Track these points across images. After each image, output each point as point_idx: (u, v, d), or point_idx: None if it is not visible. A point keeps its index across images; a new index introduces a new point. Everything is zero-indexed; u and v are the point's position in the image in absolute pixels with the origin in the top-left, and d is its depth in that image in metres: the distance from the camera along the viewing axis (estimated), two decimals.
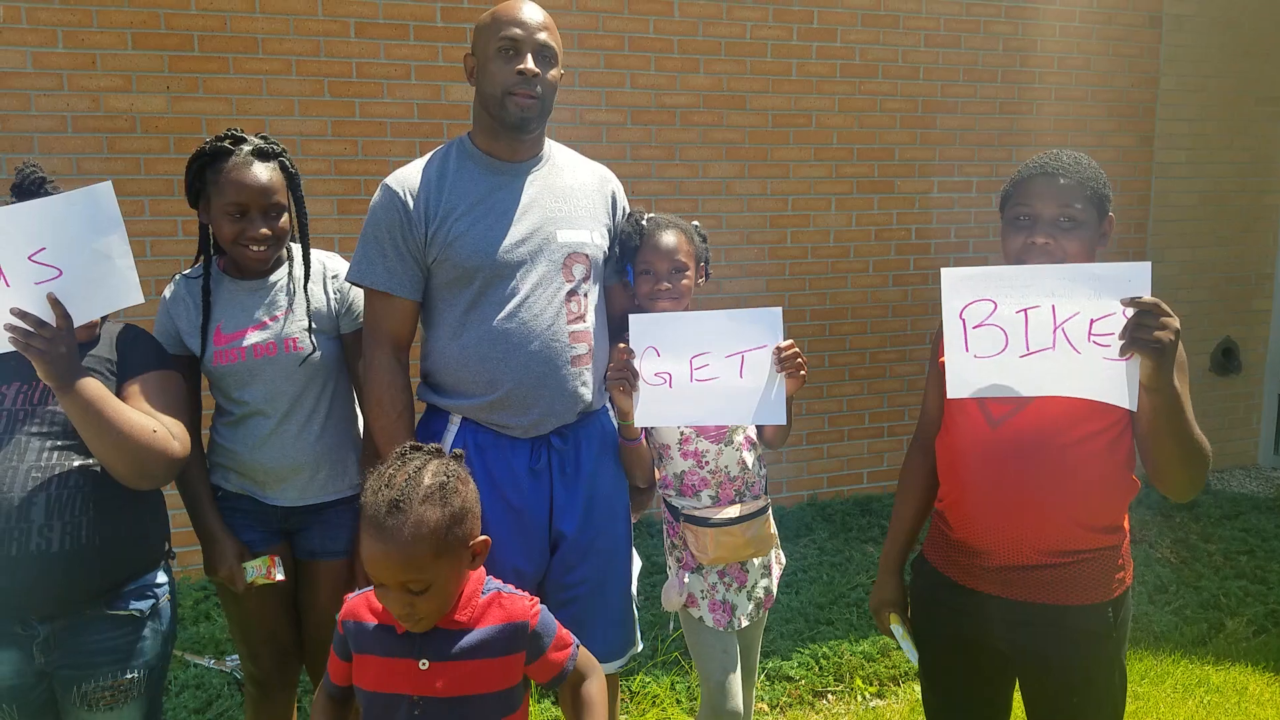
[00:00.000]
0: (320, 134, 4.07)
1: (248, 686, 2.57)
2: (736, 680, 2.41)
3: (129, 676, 2.03)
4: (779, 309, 2.16)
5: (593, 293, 2.31)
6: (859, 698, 3.49)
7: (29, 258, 1.77)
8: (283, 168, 2.30)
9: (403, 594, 1.60)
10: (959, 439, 1.97)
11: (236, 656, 3.41)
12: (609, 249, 2.36)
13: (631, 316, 2.21)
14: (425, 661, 1.67)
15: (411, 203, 2.18)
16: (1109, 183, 1.91)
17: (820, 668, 3.60)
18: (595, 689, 1.82)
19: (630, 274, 2.35)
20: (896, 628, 2.11)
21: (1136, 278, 1.67)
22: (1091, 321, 1.71)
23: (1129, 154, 5.42)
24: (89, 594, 1.97)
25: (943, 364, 1.95)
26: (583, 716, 1.77)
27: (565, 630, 1.82)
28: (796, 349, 2.18)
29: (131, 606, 2.04)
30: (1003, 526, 1.90)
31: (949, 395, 1.83)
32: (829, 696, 3.50)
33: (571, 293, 2.24)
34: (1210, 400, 5.78)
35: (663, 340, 2.16)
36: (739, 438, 2.39)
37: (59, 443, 1.93)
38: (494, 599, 1.75)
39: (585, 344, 2.27)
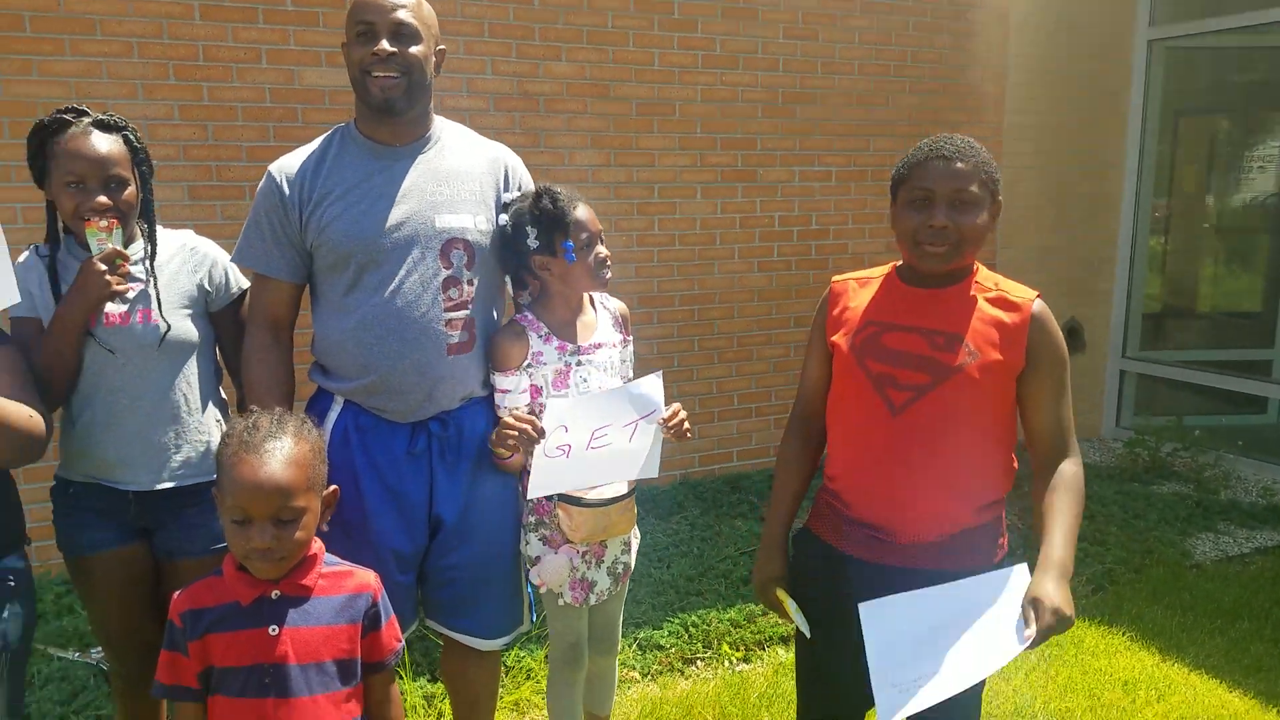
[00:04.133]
0: (167, 118, 3.96)
1: (114, 680, 2.52)
2: (583, 644, 2.54)
3: None
4: (659, 375, 2.28)
5: (477, 279, 2.31)
6: (726, 663, 3.62)
7: None
8: (126, 141, 2.25)
9: (269, 526, 1.68)
10: (858, 422, 2.02)
11: (100, 649, 3.34)
12: (514, 229, 2.31)
13: (550, 402, 2.23)
14: (275, 628, 1.73)
15: (287, 188, 2.21)
16: (997, 168, 1.97)
17: (690, 635, 3.73)
18: (396, 696, 1.92)
19: (569, 251, 2.28)
20: (790, 602, 2.16)
21: (1018, 579, 1.84)
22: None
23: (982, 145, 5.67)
24: None
25: (833, 344, 2.05)
26: (388, 710, 1.88)
27: (398, 627, 1.90)
28: (681, 415, 2.30)
29: None
30: (904, 509, 1.96)
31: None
32: (698, 663, 3.63)
33: (450, 279, 2.25)
34: None
35: (574, 420, 2.21)
36: None
37: None
38: (339, 570, 1.83)
39: (466, 331, 2.29)
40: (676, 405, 2.33)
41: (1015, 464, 2.05)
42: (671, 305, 5.15)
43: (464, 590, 2.40)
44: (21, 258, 2.28)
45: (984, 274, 2.01)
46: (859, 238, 5.53)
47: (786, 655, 3.63)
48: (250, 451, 1.69)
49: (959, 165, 1.90)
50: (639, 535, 2.67)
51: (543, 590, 2.48)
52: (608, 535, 2.43)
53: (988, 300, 1.95)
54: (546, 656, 3.43)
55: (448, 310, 2.26)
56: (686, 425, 2.33)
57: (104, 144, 2.20)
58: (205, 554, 2.35)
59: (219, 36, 4.02)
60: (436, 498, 2.33)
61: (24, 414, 1.97)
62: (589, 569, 2.47)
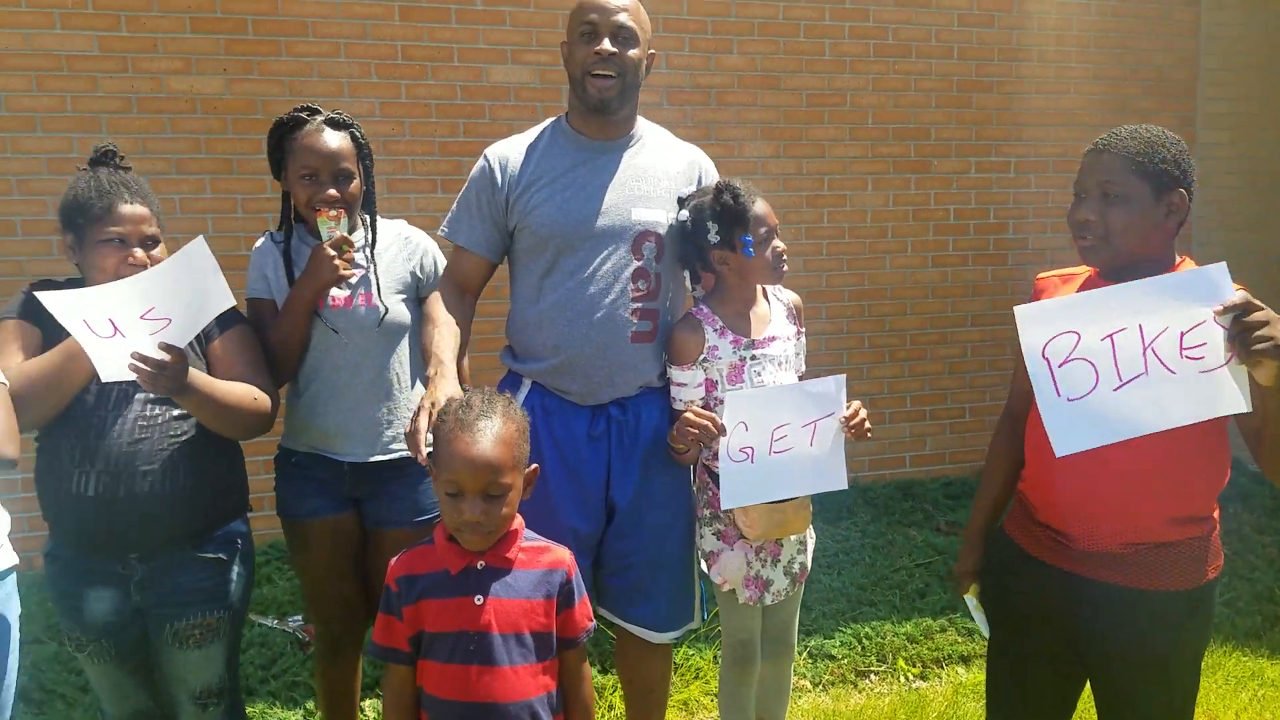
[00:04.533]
0: (369, 114, 4.24)
1: (318, 644, 2.69)
2: (756, 642, 2.52)
3: (216, 616, 2.21)
4: (843, 377, 2.28)
5: (665, 272, 2.39)
6: (902, 679, 3.50)
7: (140, 316, 1.95)
8: (353, 138, 2.46)
9: (480, 500, 1.78)
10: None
11: (299, 617, 3.55)
12: (694, 224, 2.37)
13: (729, 396, 2.27)
14: (480, 597, 1.83)
15: (499, 171, 2.37)
16: (1180, 158, 1.84)
17: (863, 648, 3.62)
18: (588, 674, 1.99)
19: (748, 245, 2.33)
20: (970, 599, 2.15)
21: (1219, 281, 1.62)
22: (1181, 335, 1.65)
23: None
24: (182, 536, 2.15)
25: None
26: (580, 686, 1.95)
27: (589, 606, 1.97)
28: (862, 414, 2.30)
29: (218, 551, 2.21)
30: (1087, 515, 1.91)
31: (1056, 454, 1.74)
32: (871, 676, 3.52)
33: (640, 270, 2.34)
34: None
35: (752, 415, 2.25)
36: None
37: (159, 396, 2.09)
38: (537, 545, 1.92)
39: (649, 320, 2.36)
40: (856, 403, 2.32)
41: (1226, 475, 1.90)
42: (840, 300, 5.08)
43: (637, 578, 2.43)
44: (258, 243, 2.52)
45: (1188, 266, 1.88)
46: (1040, 232, 5.32)
47: (967, 675, 3.48)
48: (464, 429, 1.79)
49: (1108, 157, 1.85)
50: (814, 536, 2.62)
51: (723, 587, 2.47)
52: (783, 533, 2.42)
53: None
54: (716, 656, 3.39)
55: (635, 300, 2.34)
56: (868, 425, 2.31)
57: (334, 140, 2.41)
58: (408, 525, 2.49)
59: (416, 36, 4.30)
60: (613, 481, 2.39)
61: (249, 395, 2.18)
62: (764, 567, 2.45)
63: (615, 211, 2.34)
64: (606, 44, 2.25)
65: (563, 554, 1.93)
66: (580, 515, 2.35)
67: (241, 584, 2.28)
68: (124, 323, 1.94)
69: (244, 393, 2.17)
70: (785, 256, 2.42)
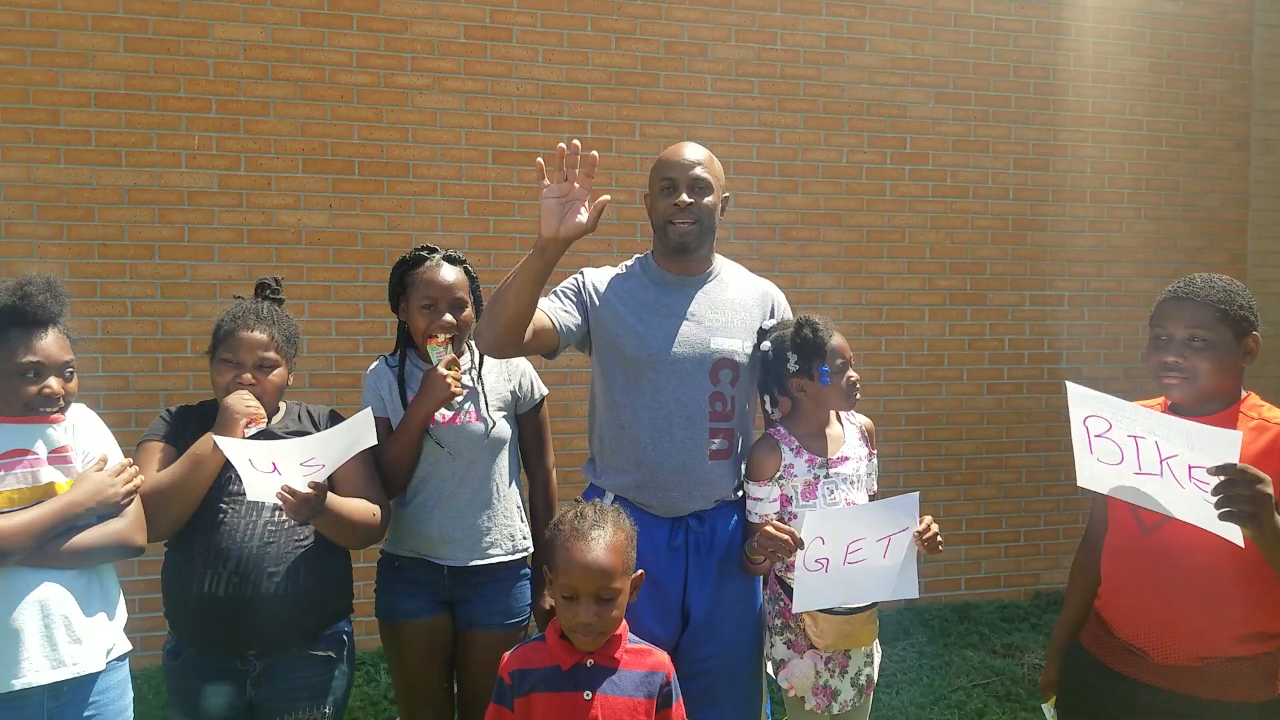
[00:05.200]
0: (459, 246, 4.53)
1: None
2: None
3: (321, 711, 2.38)
4: (916, 495, 2.42)
5: (740, 395, 2.58)
6: None
7: (300, 463, 2.19)
8: (466, 272, 2.73)
9: (592, 603, 1.93)
10: (1114, 542, 2.14)
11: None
12: (775, 354, 2.56)
13: (808, 515, 2.39)
14: (589, 693, 1.96)
15: (589, 284, 2.62)
16: (1251, 303, 2.05)
17: None
18: None
19: (824, 375, 2.52)
20: (1048, 709, 2.25)
21: (1227, 445, 1.75)
22: (1189, 467, 1.81)
23: (1221, 272, 5.54)
24: (298, 634, 2.34)
25: None
26: None
27: (684, 708, 2.10)
28: (934, 530, 2.43)
29: (328, 649, 2.39)
30: (1154, 631, 2.02)
31: (1078, 483, 1.99)
32: None
33: (717, 394, 2.53)
34: None
35: (829, 532, 2.38)
36: None
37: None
38: (640, 648, 2.06)
39: (726, 439, 2.54)
40: (929, 519, 2.45)
41: None
42: (897, 424, 5.24)
43: (709, 683, 2.55)
44: (373, 366, 2.77)
45: (1251, 402, 2.06)
46: (1094, 362, 5.47)
47: None
48: (579, 538, 1.97)
49: (1193, 305, 2.04)
50: (880, 650, 2.73)
51: (790, 694, 2.59)
52: (851, 644, 2.53)
53: (1250, 429, 1.99)
54: None
55: (713, 421, 2.53)
56: (940, 539, 2.45)
57: (451, 274, 2.68)
58: (499, 628, 2.66)
59: (505, 177, 4.63)
60: (690, 589, 2.54)
61: (369, 512, 2.41)
62: (832, 677, 2.55)
63: (694, 341, 2.54)
64: (684, 196, 2.50)
65: (663, 657, 2.08)
66: (659, 622, 2.47)
67: (345, 681, 2.46)
68: (284, 467, 2.16)
69: (366, 510, 2.39)
70: (859, 386, 2.61)
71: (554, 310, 2.53)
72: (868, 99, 5.10)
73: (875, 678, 2.66)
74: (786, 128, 5.01)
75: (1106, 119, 5.44)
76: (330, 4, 4.41)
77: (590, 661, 1.99)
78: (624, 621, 2.05)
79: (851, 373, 2.60)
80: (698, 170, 2.53)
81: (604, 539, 1.96)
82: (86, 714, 2.14)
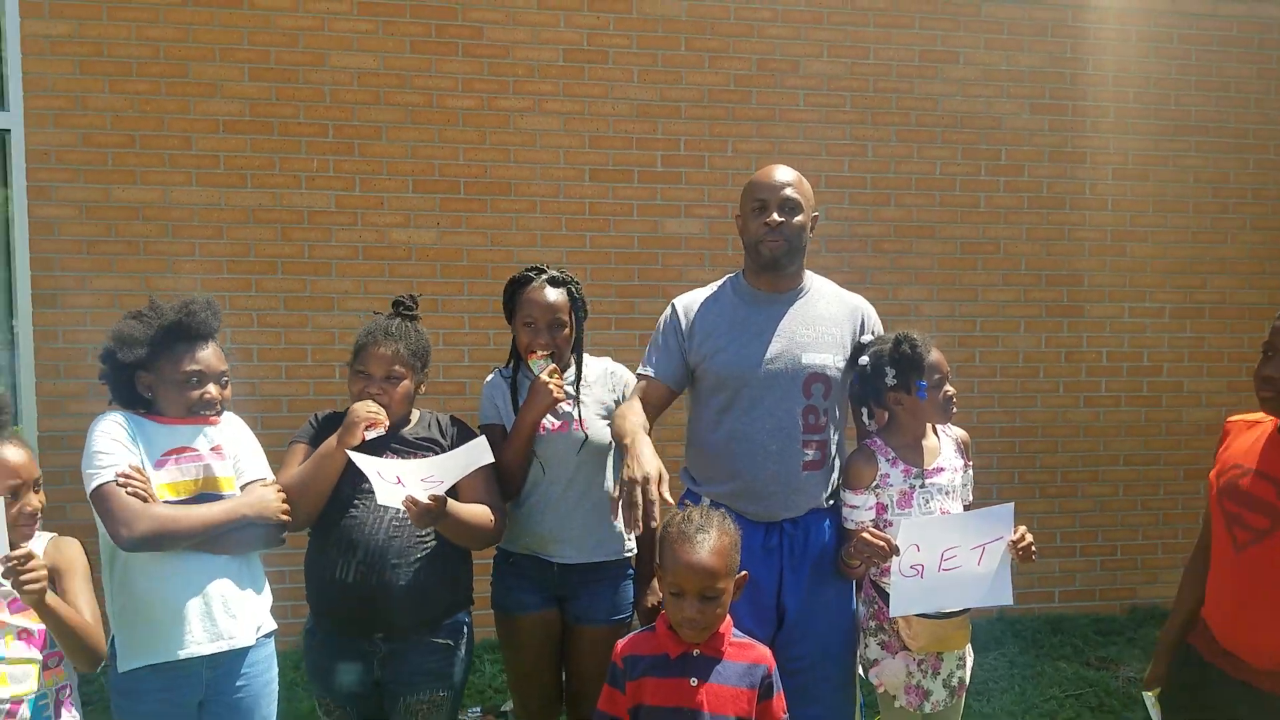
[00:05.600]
0: (556, 262, 4.72)
1: None
2: None
3: (440, 695, 2.58)
4: (1011, 505, 2.52)
5: (832, 408, 2.68)
6: None
7: (421, 480, 2.40)
8: (569, 293, 2.88)
9: (697, 601, 2.07)
10: (1216, 555, 2.22)
11: (478, 709, 3.95)
12: (873, 369, 2.66)
13: (904, 523, 2.52)
14: (695, 680, 2.11)
15: (684, 319, 2.74)
16: None
17: None
18: None
19: (922, 389, 2.62)
20: (1149, 696, 2.36)
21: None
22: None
23: None
24: (420, 622, 2.54)
25: (1210, 479, 2.24)
26: None
27: (784, 701, 2.23)
28: (1028, 539, 2.53)
29: (447, 638, 2.59)
30: (1252, 639, 2.10)
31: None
32: None
33: (810, 408, 2.63)
34: None
35: (924, 539, 2.49)
36: None
37: None
38: (744, 642, 2.20)
39: (819, 450, 2.65)
40: (1023, 528, 2.53)
41: None
42: (991, 436, 5.22)
43: (804, 680, 2.64)
44: (489, 378, 2.97)
45: None
46: (1196, 375, 5.36)
47: None
48: (686, 540, 2.11)
49: None
50: (973, 654, 2.81)
51: (880, 691, 2.70)
52: (943, 647, 2.62)
53: None
54: None
55: (805, 433, 2.63)
56: (1034, 548, 2.53)
57: (552, 295, 2.84)
58: (605, 623, 2.82)
59: (601, 194, 4.80)
60: (784, 589, 2.65)
61: (487, 518, 2.61)
62: (925, 678, 2.65)
63: (786, 356, 2.63)
64: (775, 216, 2.60)
65: (765, 652, 2.21)
66: (754, 621, 2.56)
67: (462, 668, 2.65)
68: (407, 480, 2.38)
69: (484, 516, 2.59)
70: (955, 399, 2.69)
71: (667, 373, 2.71)
72: (961, 111, 5.11)
73: (967, 680, 2.74)
74: (879, 141, 5.05)
75: (1210, 128, 5.32)
76: (437, 31, 4.64)
77: (697, 651, 2.14)
78: (728, 617, 2.18)
79: (948, 387, 2.68)
80: (787, 191, 2.63)
81: (709, 542, 2.10)
82: (239, 683, 2.41)
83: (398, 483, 2.36)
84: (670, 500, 2.23)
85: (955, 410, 2.70)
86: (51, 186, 4.41)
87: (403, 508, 2.35)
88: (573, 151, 4.78)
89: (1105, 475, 5.34)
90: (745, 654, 2.18)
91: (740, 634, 2.22)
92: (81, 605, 2.23)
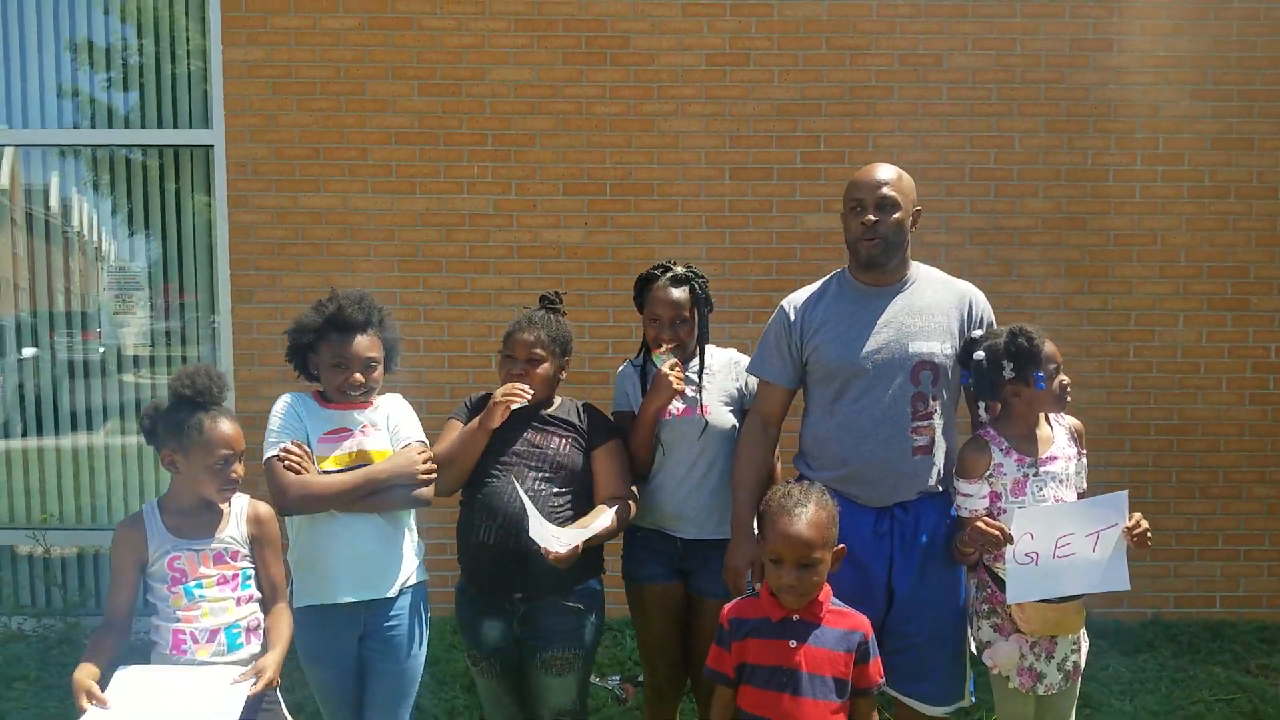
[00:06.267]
0: (696, 258, 4.91)
1: (647, 691, 3.29)
2: None
3: (573, 653, 2.85)
4: (1124, 494, 2.59)
5: (941, 394, 2.78)
6: None
7: (555, 536, 2.67)
8: (692, 290, 3.09)
9: (795, 569, 2.27)
10: None
11: (618, 677, 4.23)
12: (989, 362, 2.75)
13: (1017, 511, 2.63)
14: (794, 642, 2.31)
15: (793, 317, 2.90)
16: None
17: None
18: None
19: (1040, 380, 2.72)
20: None
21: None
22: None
23: None
24: (554, 585, 2.80)
25: None
26: None
27: (881, 666, 2.38)
28: (1144, 525, 2.60)
29: (579, 602, 2.86)
30: None
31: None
32: None
33: (919, 395, 2.74)
34: None
35: (1038, 527, 2.60)
36: None
37: (545, 475, 2.83)
38: (842, 610, 2.39)
39: (927, 436, 2.75)
40: (1138, 515, 2.59)
41: None
42: (1147, 434, 5.07)
43: (915, 658, 2.77)
44: (621, 368, 3.24)
45: None
46: None
47: None
48: (785, 513, 2.30)
49: None
50: (1088, 638, 2.86)
51: (994, 672, 2.79)
52: (1057, 631, 2.70)
53: None
54: None
55: (915, 420, 2.73)
56: (1149, 535, 2.58)
57: (676, 293, 3.07)
58: (723, 596, 2.96)
59: (741, 192, 4.96)
60: (894, 573, 2.77)
61: (614, 518, 2.83)
62: (1038, 660, 2.74)
63: (894, 346, 2.74)
64: (871, 216, 2.72)
65: (862, 620, 2.38)
66: (864, 601, 2.68)
67: (593, 631, 2.90)
68: (549, 532, 2.65)
69: (611, 525, 2.80)
70: (1069, 389, 2.76)
71: (783, 375, 2.90)
72: (1115, 99, 4.96)
73: (1082, 664, 2.81)
74: (1026, 132, 4.98)
75: None
76: (587, 43, 4.92)
77: (796, 616, 2.33)
78: (826, 586, 2.36)
79: (1063, 377, 2.75)
80: (885, 190, 2.72)
81: (806, 515, 2.28)
82: (388, 625, 2.80)
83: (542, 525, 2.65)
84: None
85: (1069, 399, 2.76)
86: (248, 195, 4.96)
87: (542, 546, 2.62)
88: (713, 151, 4.96)
89: (1272, 476, 5.08)
90: (843, 621, 2.35)
91: (839, 602, 2.38)
92: (273, 573, 2.63)
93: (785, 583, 2.29)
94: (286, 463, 2.68)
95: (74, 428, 5.37)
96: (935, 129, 4.97)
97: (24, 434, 5.40)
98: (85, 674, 2.34)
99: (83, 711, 2.28)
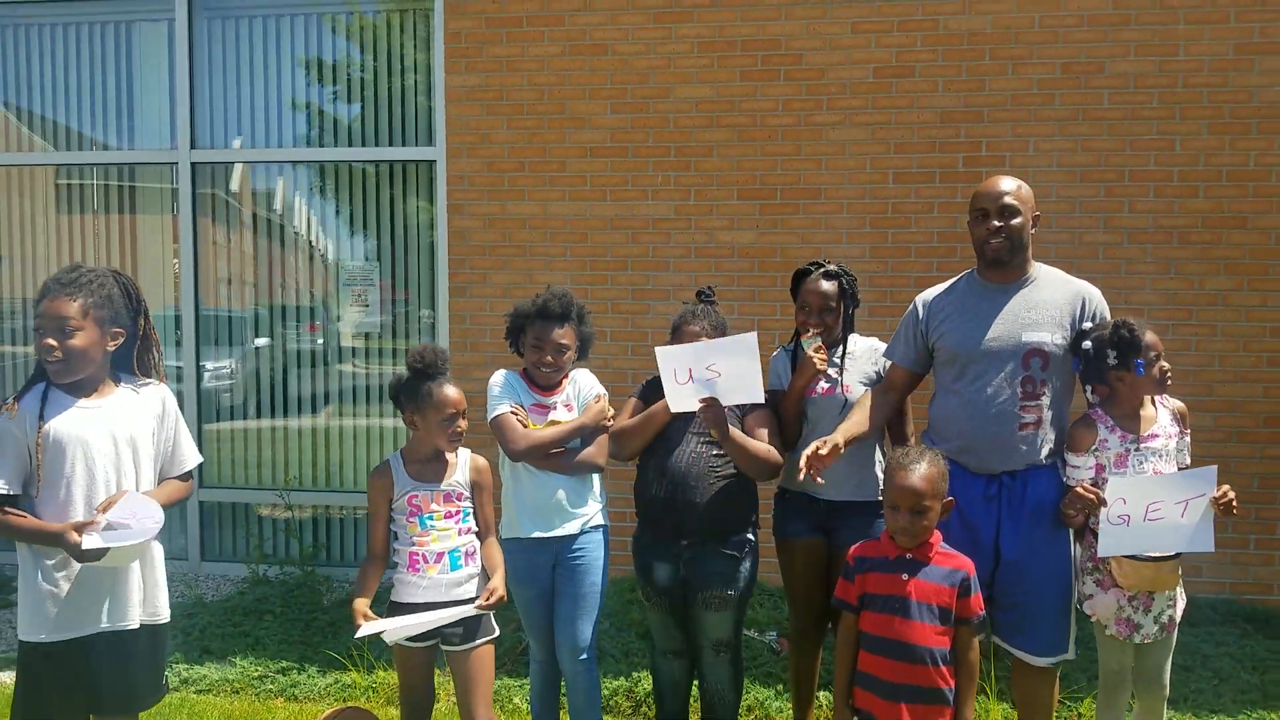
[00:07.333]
0: (860, 256, 5.35)
1: (792, 636, 3.76)
2: (1126, 673, 3.20)
3: (729, 593, 3.37)
4: (1214, 468, 2.94)
5: (1050, 378, 3.14)
6: None
7: (706, 367, 3.16)
8: (840, 285, 3.58)
9: (907, 514, 2.74)
10: None
11: (774, 632, 4.71)
12: (1095, 352, 3.12)
13: (1113, 479, 3.00)
14: (906, 575, 2.78)
15: (923, 311, 3.38)
16: None
17: None
18: (975, 647, 2.79)
19: (1139, 366, 3.05)
20: None
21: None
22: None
23: None
24: (714, 533, 3.35)
25: None
26: (967, 653, 2.77)
27: (981, 600, 2.80)
28: (1230, 496, 2.95)
29: (734, 550, 3.38)
30: None
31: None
32: None
33: (1028, 378, 3.12)
34: None
35: (1131, 494, 2.97)
36: None
37: (705, 438, 3.36)
38: (950, 553, 2.83)
39: (1035, 414, 3.13)
40: (1226, 486, 2.93)
41: None
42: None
43: (1021, 613, 3.16)
44: (775, 354, 3.73)
45: None
46: None
47: None
48: (901, 468, 2.78)
49: None
50: (1185, 596, 3.21)
51: (1094, 620, 3.18)
52: (1153, 587, 3.06)
53: None
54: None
55: (1023, 400, 3.12)
56: (1235, 504, 2.93)
57: (825, 285, 3.57)
58: None
59: (904, 195, 5.35)
60: (1001, 535, 3.15)
61: (772, 454, 3.34)
62: (1135, 613, 3.11)
63: (1008, 336, 3.13)
64: (994, 222, 3.13)
65: (966, 561, 2.80)
66: (972, 558, 2.91)
67: (747, 577, 3.39)
68: (695, 371, 3.15)
69: (767, 451, 3.33)
70: (1169, 374, 3.12)
71: (908, 359, 3.38)
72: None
73: (1178, 618, 3.17)
74: (1187, 135, 5.15)
75: None
76: (763, 61, 5.42)
77: (909, 555, 2.79)
78: (937, 532, 2.80)
79: (1163, 363, 3.11)
80: (1006, 199, 3.14)
81: (919, 470, 2.74)
82: (572, 557, 3.41)
83: (688, 381, 3.14)
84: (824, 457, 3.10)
85: (1170, 383, 3.12)
86: (464, 204, 5.72)
87: (690, 408, 3.17)
88: (878, 158, 5.37)
89: None
90: (949, 561, 2.80)
91: (947, 546, 2.83)
92: (487, 512, 3.26)
93: (899, 525, 2.76)
94: (518, 416, 3.33)
95: (312, 409, 6.28)
96: (1096, 133, 5.20)
97: (258, 414, 6.34)
98: (360, 603, 3.05)
99: (358, 627, 2.98)
